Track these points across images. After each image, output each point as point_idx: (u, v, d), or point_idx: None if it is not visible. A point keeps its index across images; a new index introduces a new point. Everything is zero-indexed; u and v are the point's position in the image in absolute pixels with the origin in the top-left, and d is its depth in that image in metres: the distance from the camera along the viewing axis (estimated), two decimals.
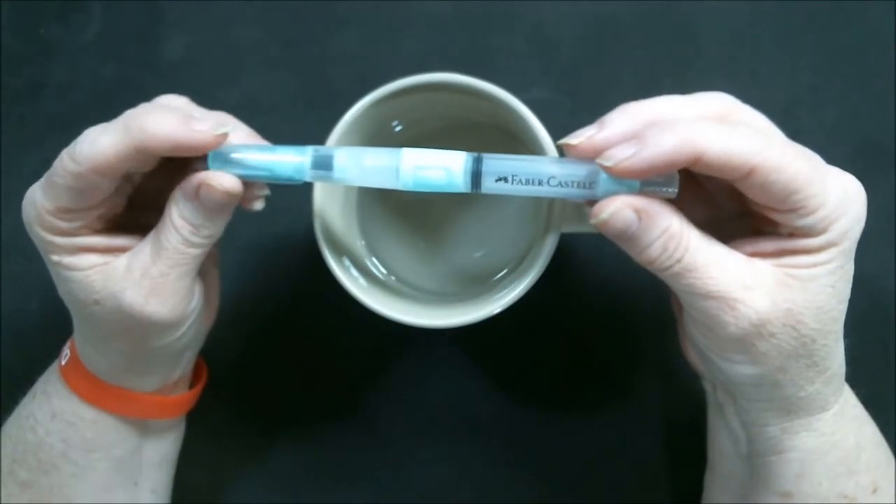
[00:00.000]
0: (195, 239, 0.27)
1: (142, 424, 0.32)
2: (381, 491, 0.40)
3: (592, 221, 0.26)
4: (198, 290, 0.30)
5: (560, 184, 0.26)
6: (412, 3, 0.40)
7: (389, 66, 0.38)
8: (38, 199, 0.27)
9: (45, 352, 0.33)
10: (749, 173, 0.24)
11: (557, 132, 0.28)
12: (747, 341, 0.26)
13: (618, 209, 0.25)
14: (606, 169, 0.24)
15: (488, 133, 0.35)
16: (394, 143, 0.34)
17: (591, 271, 0.39)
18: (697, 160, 0.24)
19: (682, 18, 0.39)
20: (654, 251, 0.25)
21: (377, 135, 0.33)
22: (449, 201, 0.36)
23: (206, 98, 0.31)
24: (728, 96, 0.27)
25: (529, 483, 0.39)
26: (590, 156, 0.25)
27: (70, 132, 0.40)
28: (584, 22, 0.40)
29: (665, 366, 0.38)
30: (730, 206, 0.29)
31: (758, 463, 0.30)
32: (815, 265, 0.25)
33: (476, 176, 0.26)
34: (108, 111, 0.40)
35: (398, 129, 0.35)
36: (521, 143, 0.32)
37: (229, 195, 0.27)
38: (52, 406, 0.31)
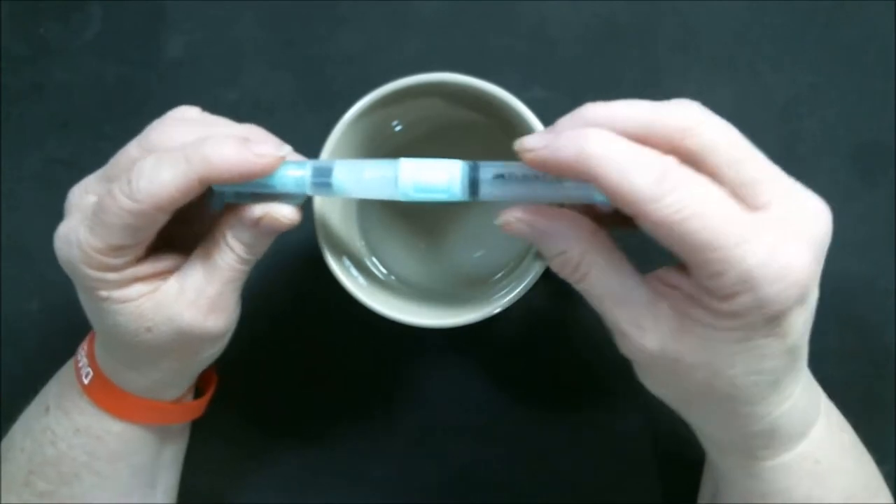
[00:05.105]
0: (248, 256, 0.28)
1: (162, 430, 0.33)
2: (381, 491, 0.40)
3: (495, 222, 0.26)
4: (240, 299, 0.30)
5: (555, 179, 0.26)
6: (412, 3, 0.40)
7: (389, 66, 0.38)
8: (82, 239, 0.26)
9: (45, 353, 0.33)
10: (637, 217, 0.22)
11: None
12: (642, 367, 0.26)
13: (508, 221, 0.25)
14: (517, 153, 0.24)
15: (488, 133, 0.35)
16: (394, 142, 0.34)
17: None
18: (593, 181, 0.23)
19: (682, 18, 0.39)
20: (554, 266, 0.26)
21: (377, 135, 0.33)
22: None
23: (207, 98, 0.31)
24: (697, 108, 0.24)
25: (529, 483, 0.39)
26: (536, 167, 0.24)
27: (70, 132, 0.41)
28: (584, 22, 0.40)
29: None
30: None
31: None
32: (714, 328, 0.23)
33: (474, 183, 0.26)
34: (108, 111, 0.41)
35: (398, 128, 0.34)
36: None
37: (293, 224, 0.28)
38: (73, 422, 0.31)
